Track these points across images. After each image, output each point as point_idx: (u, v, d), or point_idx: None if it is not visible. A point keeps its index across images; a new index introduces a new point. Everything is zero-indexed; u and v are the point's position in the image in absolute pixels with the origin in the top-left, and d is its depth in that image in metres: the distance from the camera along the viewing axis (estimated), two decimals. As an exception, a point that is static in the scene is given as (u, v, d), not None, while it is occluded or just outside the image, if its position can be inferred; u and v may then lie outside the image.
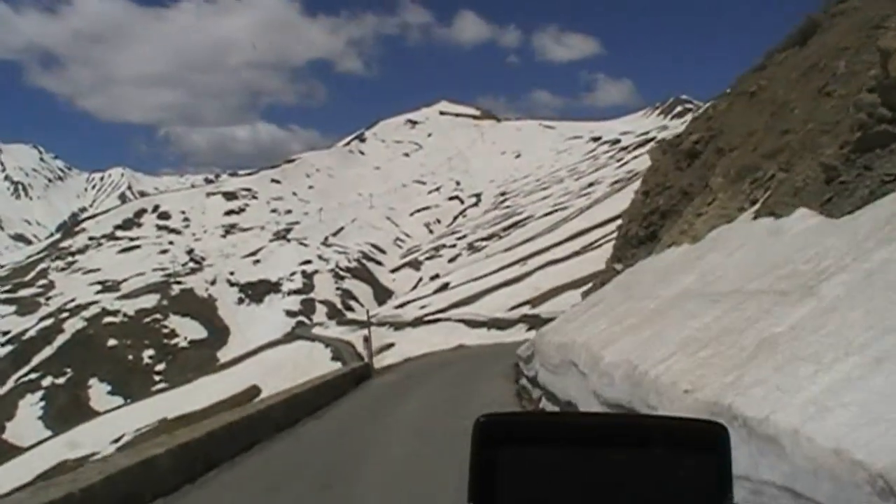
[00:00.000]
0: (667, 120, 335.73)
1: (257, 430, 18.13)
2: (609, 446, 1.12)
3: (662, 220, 19.81)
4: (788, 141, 13.23)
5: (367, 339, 45.68)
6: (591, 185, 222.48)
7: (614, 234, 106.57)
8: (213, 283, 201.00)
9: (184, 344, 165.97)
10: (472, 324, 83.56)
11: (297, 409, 21.87)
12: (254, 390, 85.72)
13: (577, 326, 14.98)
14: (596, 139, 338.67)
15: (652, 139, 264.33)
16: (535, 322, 77.04)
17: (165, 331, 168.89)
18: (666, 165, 21.59)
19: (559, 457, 1.12)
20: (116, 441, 76.58)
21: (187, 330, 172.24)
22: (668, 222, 18.84)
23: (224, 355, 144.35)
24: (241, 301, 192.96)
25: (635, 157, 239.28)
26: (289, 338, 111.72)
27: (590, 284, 35.45)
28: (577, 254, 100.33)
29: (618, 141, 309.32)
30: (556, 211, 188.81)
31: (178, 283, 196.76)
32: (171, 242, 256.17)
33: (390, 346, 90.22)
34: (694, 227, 14.69)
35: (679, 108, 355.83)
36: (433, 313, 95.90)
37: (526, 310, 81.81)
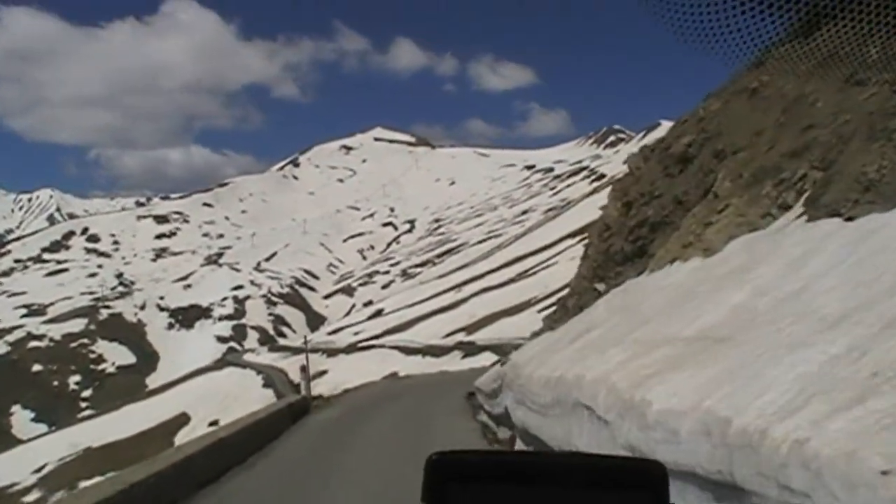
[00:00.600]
0: (600, 149, 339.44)
1: (172, 488, 13.89)
2: (556, 485, 1.17)
3: (652, 233, 17.43)
4: (815, 136, 12.05)
5: (304, 369, 38.29)
6: (524, 212, 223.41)
7: (554, 261, 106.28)
8: (142, 307, 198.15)
9: (111, 370, 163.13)
10: (407, 351, 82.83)
11: (224, 456, 17.52)
12: (182, 418, 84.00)
13: (572, 357, 12.21)
14: (530, 167, 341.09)
15: (585, 168, 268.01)
16: (470, 349, 76.59)
17: (93, 356, 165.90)
18: (652, 173, 19.30)
19: (507, 495, 1.15)
20: (38, 471, 74.41)
21: (115, 355, 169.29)
22: (660, 235, 16.53)
23: (153, 381, 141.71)
24: (171, 326, 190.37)
25: (569, 186, 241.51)
26: (219, 364, 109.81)
27: (552, 309, 35.12)
28: (512, 281, 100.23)
29: (551, 169, 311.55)
30: (491, 238, 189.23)
31: (107, 307, 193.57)
32: (99, 266, 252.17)
33: (323, 373, 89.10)
34: (703, 239, 13.11)
35: (612, 138, 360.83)
36: (367, 340, 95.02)
37: (461, 337, 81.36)
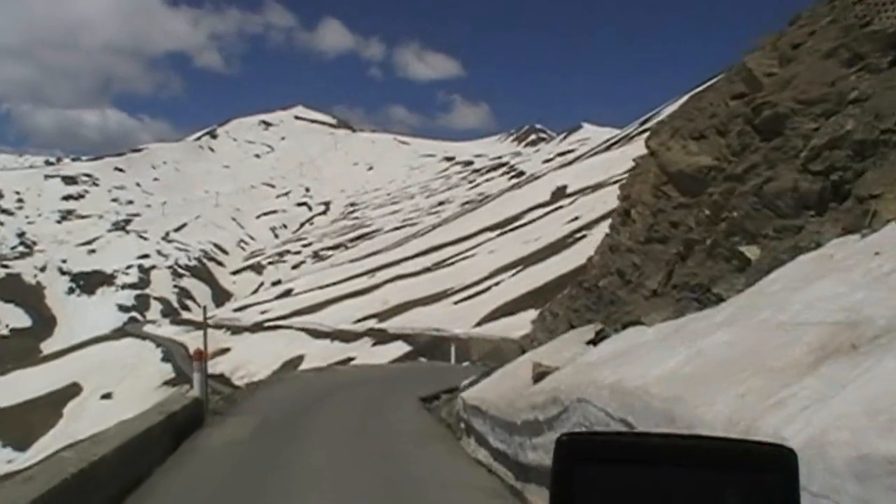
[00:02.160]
0: (520, 147, 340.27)
1: None
2: (686, 467, 1.16)
3: (857, 160, 10.05)
4: None
5: (199, 357, 20.46)
6: (441, 203, 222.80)
7: (472, 253, 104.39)
8: (42, 269, 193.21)
9: (4, 332, 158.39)
10: (315, 333, 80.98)
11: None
12: (74, 388, 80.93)
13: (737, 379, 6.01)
14: (449, 159, 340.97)
15: (505, 164, 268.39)
16: (381, 336, 75.01)
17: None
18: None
19: (636, 476, 1.17)
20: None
21: (10, 317, 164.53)
22: (874, 168, 9.59)
23: (48, 347, 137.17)
24: (71, 291, 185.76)
25: (487, 181, 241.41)
26: (117, 334, 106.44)
27: (537, 306, 35.10)
28: (427, 270, 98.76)
29: (471, 163, 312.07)
30: (406, 226, 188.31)
31: (5, 266, 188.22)
32: (0, 223, 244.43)
33: (225, 351, 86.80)
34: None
35: (533, 137, 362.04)
36: (274, 319, 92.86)
37: (372, 323, 79.82)
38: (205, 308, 25.44)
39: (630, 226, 15.17)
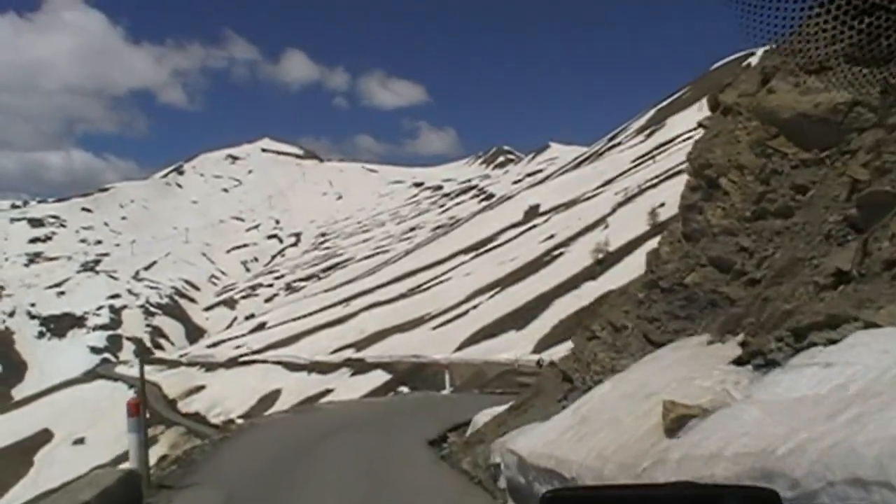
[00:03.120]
0: (489, 169, 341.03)
1: None
2: None
3: None
4: None
5: (135, 410, 13.67)
6: (412, 229, 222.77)
7: (447, 277, 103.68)
8: (11, 314, 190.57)
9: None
10: (292, 366, 79.58)
11: None
12: (45, 435, 78.99)
13: None
14: (418, 185, 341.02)
15: (474, 187, 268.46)
16: (360, 366, 73.55)
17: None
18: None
19: None
20: None
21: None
22: None
23: (20, 393, 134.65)
24: (41, 335, 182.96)
25: (457, 204, 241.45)
26: (88, 377, 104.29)
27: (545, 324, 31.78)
28: (403, 296, 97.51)
29: (440, 187, 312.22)
30: (378, 254, 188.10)
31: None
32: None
33: (200, 388, 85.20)
34: None
35: (501, 159, 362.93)
36: (248, 354, 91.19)
37: (350, 353, 78.52)
38: (141, 360, 19.38)
39: (722, 201, 11.62)
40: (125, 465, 14.35)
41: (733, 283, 10.90)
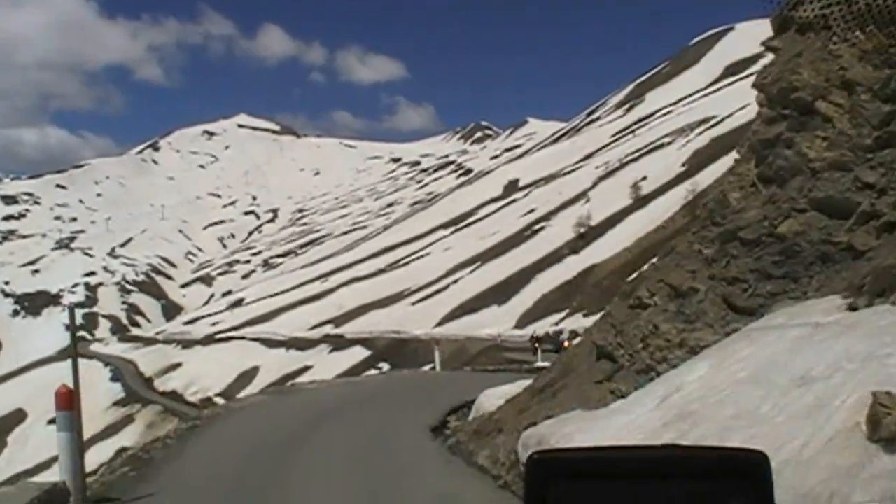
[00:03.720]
0: (467, 144, 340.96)
1: None
2: (657, 478, 1.16)
3: None
4: None
5: (67, 402, 10.69)
6: (390, 205, 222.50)
7: (426, 252, 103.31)
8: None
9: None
10: (270, 343, 79.07)
11: None
12: (18, 415, 77.84)
13: None
14: (396, 160, 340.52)
15: (452, 162, 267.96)
16: (339, 343, 72.88)
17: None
18: None
19: (608, 490, 1.15)
20: None
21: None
22: None
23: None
24: (16, 313, 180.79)
25: (435, 180, 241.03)
26: (63, 355, 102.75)
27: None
28: (382, 271, 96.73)
29: (418, 163, 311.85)
30: (355, 230, 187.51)
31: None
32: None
33: (177, 366, 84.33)
34: None
35: (479, 134, 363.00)
36: (226, 331, 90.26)
37: (329, 329, 77.90)
38: (73, 333, 12.54)
39: (822, 129, 9.30)
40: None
41: (859, 230, 8.64)
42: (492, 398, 15.32)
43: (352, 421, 18.08)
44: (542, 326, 55.61)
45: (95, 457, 23.13)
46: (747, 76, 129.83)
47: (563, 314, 58.08)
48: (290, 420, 18.82)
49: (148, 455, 15.01)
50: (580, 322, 51.86)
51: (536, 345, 43.16)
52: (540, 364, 34.48)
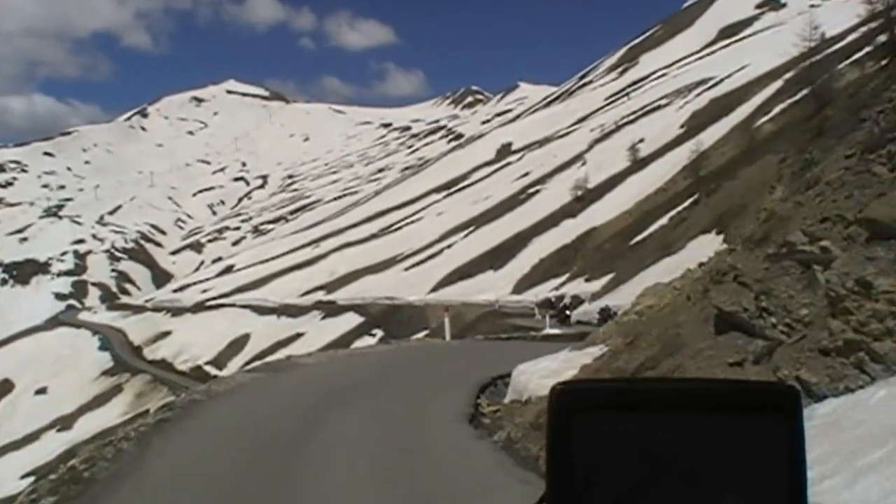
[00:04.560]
0: (458, 109, 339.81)
1: None
2: (686, 411, 1.12)
3: None
4: None
5: None
6: (381, 170, 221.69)
7: (419, 216, 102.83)
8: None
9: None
10: (261, 310, 78.19)
11: None
12: (6, 385, 76.81)
13: None
14: (386, 126, 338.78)
15: (443, 127, 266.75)
16: (331, 309, 71.75)
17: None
18: None
19: (634, 422, 1.12)
20: None
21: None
22: None
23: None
24: (4, 282, 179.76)
25: (426, 145, 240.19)
26: (51, 324, 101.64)
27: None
28: (374, 237, 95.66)
29: (408, 128, 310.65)
30: (346, 195, 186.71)
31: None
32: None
33: (167, 334, 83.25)
34: None
35: (470, 99, 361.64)
36: (216, 298, 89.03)
37: (320, 295, 76.83)
38: None
39: None
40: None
41: None
42: (533, 376, 13.16)
43: (365, 411, 14.65)
44: (541, 291, 54.60)
45: (84, 427, 21.87)
46: (743, 38, 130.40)
47: (563, 279, 57.10)
48: (287, 411, 15.16)
49: (90, 472, 11.11)
50: (582, 287, 50.85)
51: (551, 311, 41.94)
52: (549, 331, 32.98)
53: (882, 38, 20.64)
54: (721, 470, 1.12)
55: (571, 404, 1.14)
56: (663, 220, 54.17)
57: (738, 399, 1.16)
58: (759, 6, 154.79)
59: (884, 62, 16.80)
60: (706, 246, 34.95)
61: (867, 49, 31.96)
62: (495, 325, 42.58)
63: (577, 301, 46.66)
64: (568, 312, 42.61)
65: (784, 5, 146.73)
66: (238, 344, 71.51)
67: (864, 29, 39.75)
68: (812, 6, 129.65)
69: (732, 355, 8.73)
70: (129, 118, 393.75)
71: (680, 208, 53.99)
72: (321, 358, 27.14)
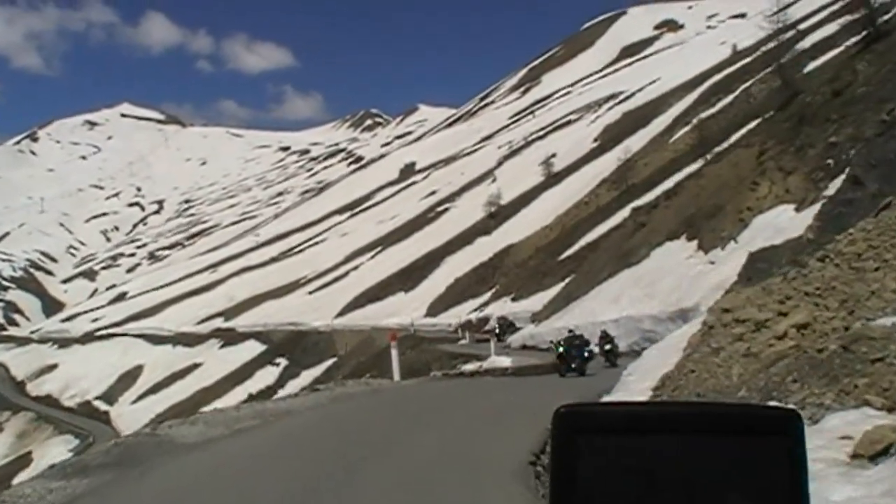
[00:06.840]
0: (357, 132, 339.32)
1: None
2: (688, 434, 1.15)
3: None
4: None
5: None
6: (280, 194, 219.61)
7: (322, 238, 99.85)
8: None
9: None
10: (155, 339, 74.17)
11: None
12: None
13: None
14: (285, 149, 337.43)
15: (342, 150, 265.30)
16: (230, 337, 67.95)
17: None
18: None
19: (636, 445, 1.15)
20: None
21: None
22: None
23: None
24: None
25: (326, 168, 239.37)
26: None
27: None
28: (275, 260, 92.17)
29: (307, 151, 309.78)
30: (245, 220, 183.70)
31: None
32: None
33: (53, 367, 78.41)
34: None
35: (369, 122, 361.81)
36: (107, 327, 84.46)
37: (219, 322, 73.23)
38: None
39: None
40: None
41: None
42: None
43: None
44: (459, 313, 52.10)
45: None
46: (646, 56, 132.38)
47: (484, 298, 54.40)
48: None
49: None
50: (509, 307, 47.86)
51: (495, 333, 38.91)
52: (501, 362, 26.28)
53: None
54: (723, 492, 1.15)
55: (575, 426, 1.17)
56: (592, 235, 51.54)
57: (741, 422, 1.19)
58: (657, 27, 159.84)
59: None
60: (676, 253, 32.30)
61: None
62: (422, 352, 38.59)
63: (505, 322, 43.63)
64: (497, 332, 39.77)
65: (682, 26, 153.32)
66: (130, 376, 67.52)
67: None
68: (709, 27, 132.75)
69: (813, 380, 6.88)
70: (18, 142, 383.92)
71: (620, 218, 50.72)
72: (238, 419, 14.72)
